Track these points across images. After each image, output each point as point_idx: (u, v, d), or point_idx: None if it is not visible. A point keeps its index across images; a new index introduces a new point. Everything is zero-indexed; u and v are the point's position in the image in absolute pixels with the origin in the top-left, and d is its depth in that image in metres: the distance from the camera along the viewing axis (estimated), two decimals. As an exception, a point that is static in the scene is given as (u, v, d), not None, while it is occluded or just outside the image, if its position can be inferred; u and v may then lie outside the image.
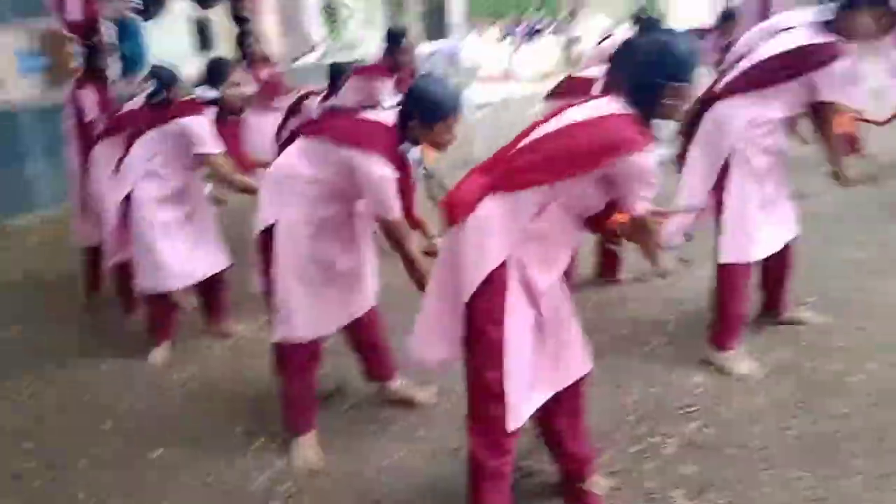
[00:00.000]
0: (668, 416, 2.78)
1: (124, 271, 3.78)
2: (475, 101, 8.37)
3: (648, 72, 1.96)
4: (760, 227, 3.03)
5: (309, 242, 2.53)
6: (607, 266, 4.15)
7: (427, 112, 2.36)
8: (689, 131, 3.14)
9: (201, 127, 3.35)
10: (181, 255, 3.52)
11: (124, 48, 5.40)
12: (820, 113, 2.97)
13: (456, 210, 2.03)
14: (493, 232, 1.97)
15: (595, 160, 1.89)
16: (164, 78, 3.59)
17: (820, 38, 2.87)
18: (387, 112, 2.54)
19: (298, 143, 2.61)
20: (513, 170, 1.99)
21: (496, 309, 1.97)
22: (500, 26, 17.07)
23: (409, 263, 2.46)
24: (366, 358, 2.99)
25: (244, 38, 5.80)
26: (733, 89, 3.02)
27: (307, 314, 2.57)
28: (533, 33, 16.34)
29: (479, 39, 16.91)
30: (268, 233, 2.54)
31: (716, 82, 3.17)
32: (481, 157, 2.16)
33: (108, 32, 4.35)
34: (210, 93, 3.42)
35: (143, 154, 3.47)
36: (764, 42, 3.04)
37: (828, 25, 2.89)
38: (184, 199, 3.58)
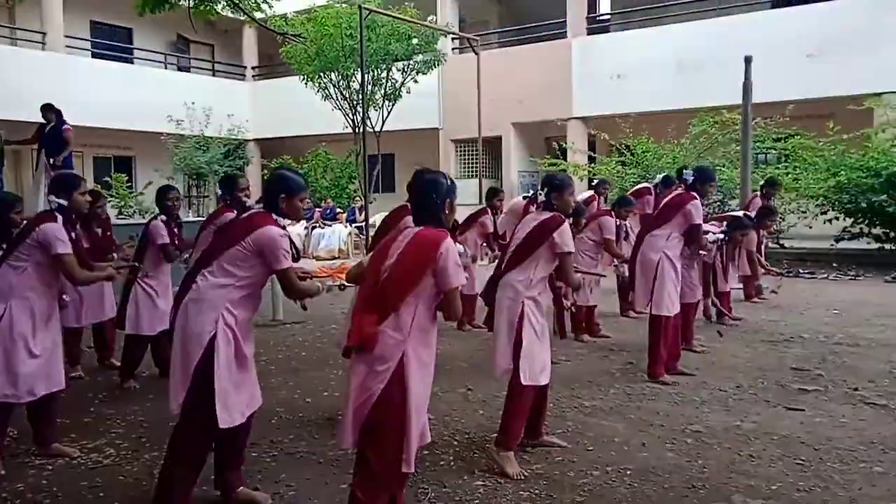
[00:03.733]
0: None
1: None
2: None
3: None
4: (543, 355, 4.14)
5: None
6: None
7: None
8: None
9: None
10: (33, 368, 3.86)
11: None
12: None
13: (366, 344, 2.86)
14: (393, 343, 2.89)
15: (426, 260, 2.89)
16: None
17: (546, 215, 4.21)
18: None
19: None
20: (386, 295, 2.91)
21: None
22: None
23: None
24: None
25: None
26: (510, 266, 4.24)
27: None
28: (330, 217, 17.73)
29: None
30: None
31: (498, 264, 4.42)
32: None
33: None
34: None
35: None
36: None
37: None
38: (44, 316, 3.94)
